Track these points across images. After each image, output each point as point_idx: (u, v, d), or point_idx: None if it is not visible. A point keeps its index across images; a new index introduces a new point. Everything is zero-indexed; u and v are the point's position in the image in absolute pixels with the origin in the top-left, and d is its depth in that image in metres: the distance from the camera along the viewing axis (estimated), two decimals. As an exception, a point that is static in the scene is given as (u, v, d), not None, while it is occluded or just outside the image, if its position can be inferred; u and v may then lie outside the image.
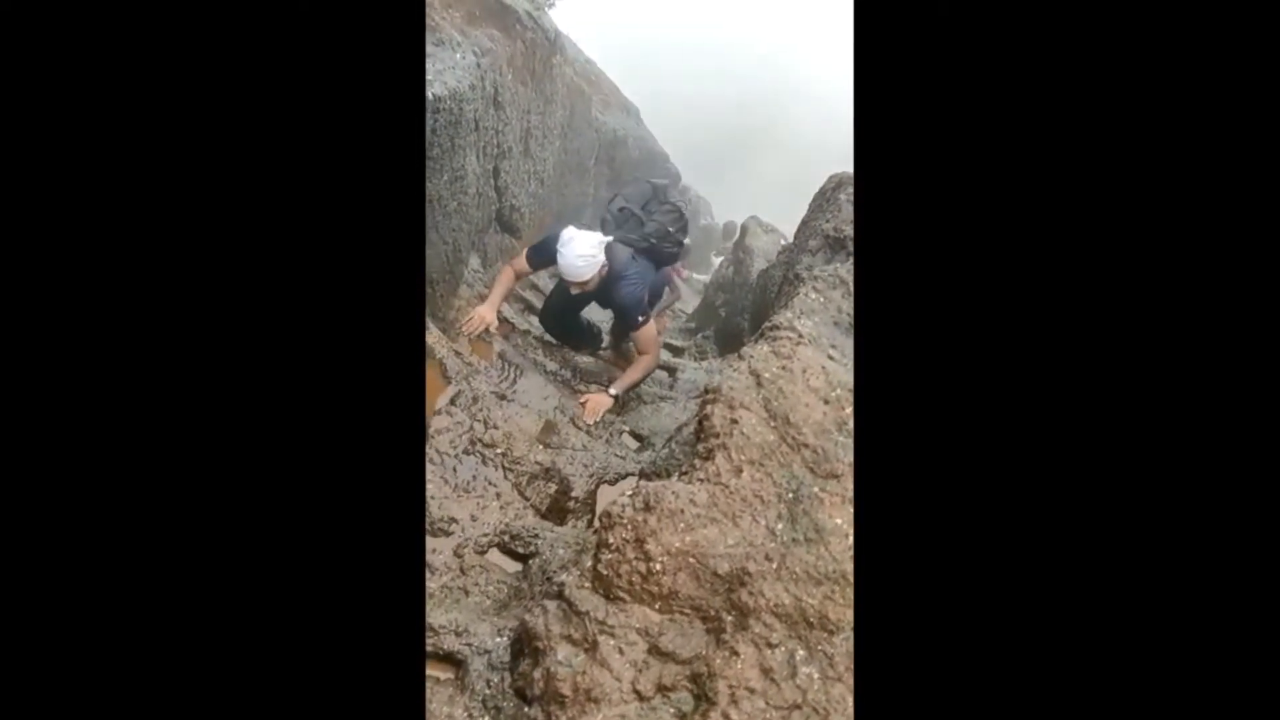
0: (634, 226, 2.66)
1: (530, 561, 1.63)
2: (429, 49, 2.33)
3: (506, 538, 1.68)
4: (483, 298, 2.69)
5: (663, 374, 3.09)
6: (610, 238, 2.44)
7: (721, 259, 5.03)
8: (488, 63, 2.76)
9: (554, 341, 2.94)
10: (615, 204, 2.75)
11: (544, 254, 2.52)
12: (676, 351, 3.49)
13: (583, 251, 2.33)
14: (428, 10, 2.53)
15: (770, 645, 0.90)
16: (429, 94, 2.12)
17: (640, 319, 2.49)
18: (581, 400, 2.47)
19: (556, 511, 1.92)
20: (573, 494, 2.00)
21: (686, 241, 2.74)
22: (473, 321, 2.51)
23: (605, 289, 2.49)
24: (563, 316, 2.92)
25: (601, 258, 2.37)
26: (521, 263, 2.61)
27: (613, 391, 2.49)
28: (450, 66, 2.35)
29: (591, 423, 2.37)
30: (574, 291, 2.46)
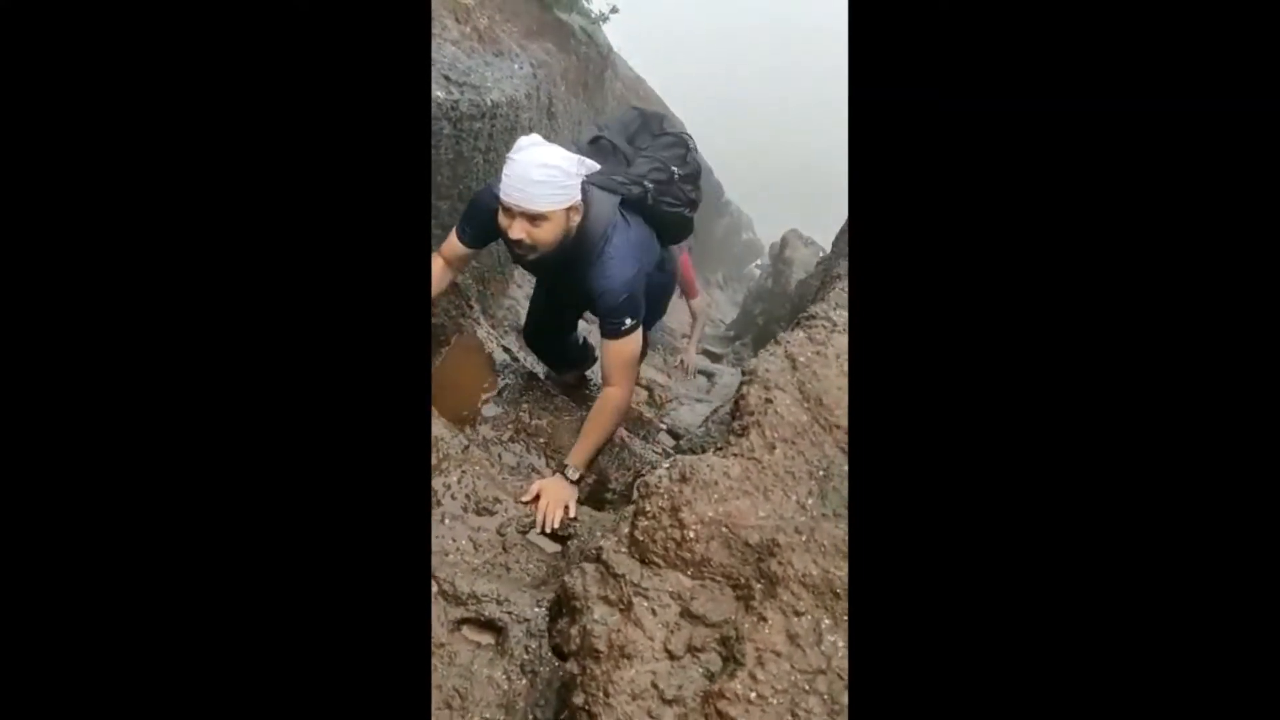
0: (615, 164, 1.68)
1: (569, 543, 1.70)
2: (489, 59, 2.46)
3: (546, 519, 1.75)
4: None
5: (702, 379, 3.14)
6: (587, 170, 1.50)
7: (761, 270, 5.07)
8: (543, 74, 2.89)
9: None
10: (587, 133, 1.77)
11: (479, 216, 1.65)
12: (715, 358, 3.55)
13: (549, 160, 1.43)
14: (489, 24, 2.67)
15: (797, 613, 0.94)
16: (487, 100, 2.25)
17: (627, 321, 1.57)
18: (528, 498, 1.67)
19: (595, 501, 1.99)
20: (610, 486, 2.07)
21: (695, 198, 1.79)
22: None
23: (574, 258, 1.57)
24: (549, 333, 2.20)
25: (575, 191, 1.48)
26: (453, 243, 1.74)
27: (571, 474, 1.70)
28: (508, 76, 2.48)
29: (554, 529, 1.63)
30: (514, 236, 1.48)
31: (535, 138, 1.52)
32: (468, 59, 2.27)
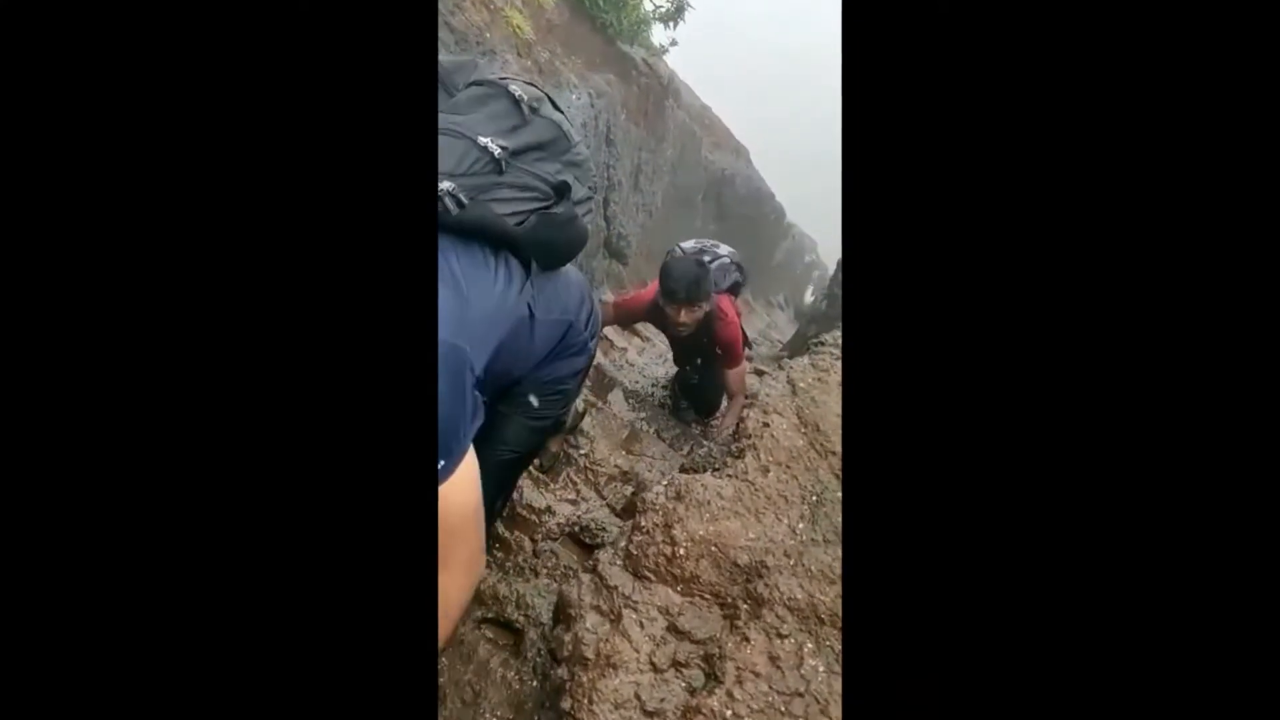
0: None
1: (597, 552, 1.75)
2: (548, 90, 2.60)
3: (578, 529, 1.81)
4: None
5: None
6: None
7: (815, 292, 5.02)
8: (602, 104, 3.01)
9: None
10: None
11: None
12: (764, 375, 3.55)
13: None
14: (550, 58, 2.81)
15: (780, 635, 0.96)
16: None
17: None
18: None
19: (629, 512, 2.04)
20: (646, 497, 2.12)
21: (560, 181, 1.00)
22: None
23: None
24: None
25: None
26: None
27: None
28: (565, 107, 2.61)
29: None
30: None
31: None
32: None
